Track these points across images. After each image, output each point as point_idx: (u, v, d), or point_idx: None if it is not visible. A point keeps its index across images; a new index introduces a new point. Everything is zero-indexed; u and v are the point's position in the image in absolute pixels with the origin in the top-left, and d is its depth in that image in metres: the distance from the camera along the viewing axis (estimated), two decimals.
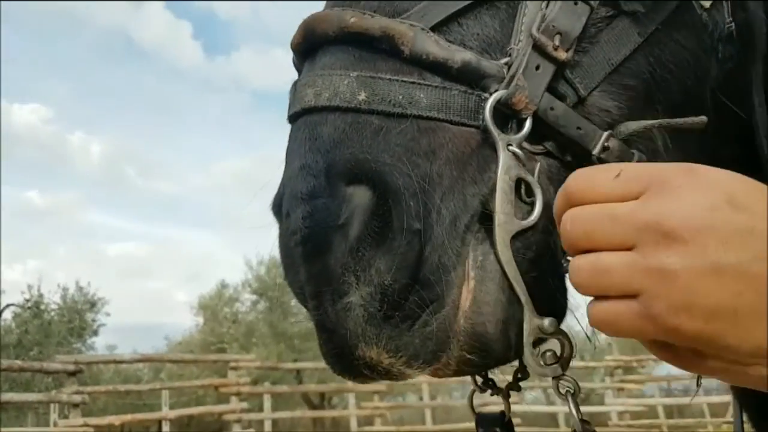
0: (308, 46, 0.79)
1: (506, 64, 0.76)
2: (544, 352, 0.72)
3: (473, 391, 0.84)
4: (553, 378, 0.72)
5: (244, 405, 13.95)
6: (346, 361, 0.72)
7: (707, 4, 0.88)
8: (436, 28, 0.75)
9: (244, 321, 27.03)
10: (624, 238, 0.61)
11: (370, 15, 0.75)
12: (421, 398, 18.25)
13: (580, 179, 0.67)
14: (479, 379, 0.83)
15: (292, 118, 0.77)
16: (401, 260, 0.68)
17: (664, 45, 0.86)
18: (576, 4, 0.78)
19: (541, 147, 0.77)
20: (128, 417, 12.37)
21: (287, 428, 20.99)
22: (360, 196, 0.70)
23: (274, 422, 16.49)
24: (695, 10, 0.87)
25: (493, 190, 0.72)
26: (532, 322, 0.71)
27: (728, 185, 0.61)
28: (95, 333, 27.00)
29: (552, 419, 21.03)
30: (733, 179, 0.63)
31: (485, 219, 0.73)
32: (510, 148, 0.73)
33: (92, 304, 26.56)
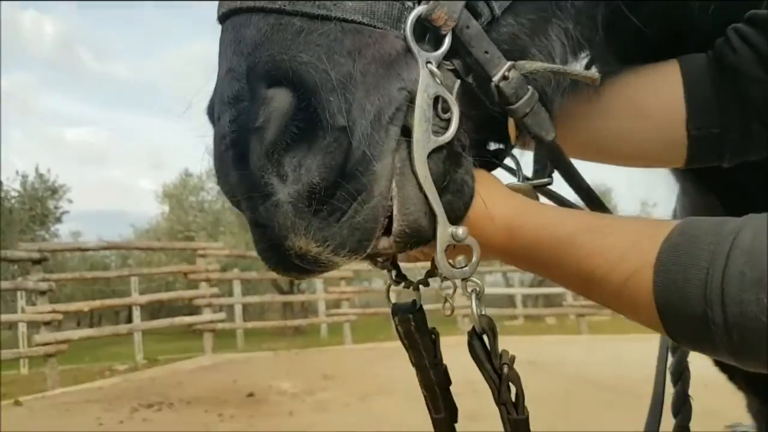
0: None
1: None
2: (456, 257, 0.78)
3: (389, 285, 0.91)
4: (462, 279, 0.79)
5: (215, 290, 14.18)
6: (278, 253, 0.73)
7: None
8: None
9: (210, 210, 27.00)
10: None
11: None
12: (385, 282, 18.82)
13: None
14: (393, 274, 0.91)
15: (221, 19, 0.76)
16: (330, 158, 0.69)
17: None
18: None
19: (450, 63, 0.78)
20: (97, 303, 12.48)
21: (257, 312, 21.62)
22: (280, 98, 0.69)
23: (245, 307, 16.95)
24: None
25: (412, 101, 0.73)
26: (445, 231, 0.75)
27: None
28: (58, 220, 26.76)
29: (510, 301, 22.04)
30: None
31: (405, 132, 0.74)
32: (429, 66, 0.74)
33: (53, 191, 26.11)
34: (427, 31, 0.75)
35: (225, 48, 0.74)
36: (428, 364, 0.87)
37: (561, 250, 0.76)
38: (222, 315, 14.26)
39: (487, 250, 0.82)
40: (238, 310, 16.65)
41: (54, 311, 10.82)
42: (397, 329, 0.88)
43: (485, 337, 0.80)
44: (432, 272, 0.85)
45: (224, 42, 0.74)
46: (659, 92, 1.03)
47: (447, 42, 0.75)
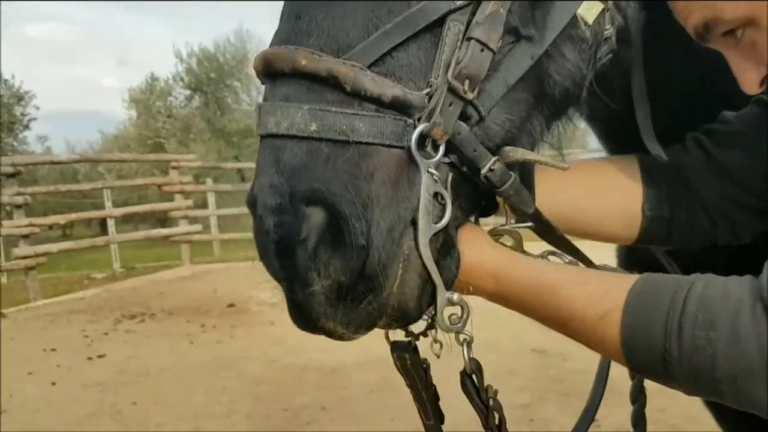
0: (268, 74, 0.94)
1: (427, 94, 0.91)
2: (450, 315, 0.97)
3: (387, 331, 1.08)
4: (456, 333, 0.99)
5: (189, 203, 14.23)
6: (311, 327, 0.94)
7: (591, 21, 1.03)
8: (372, 63, 0.89)
9: (179, 116, 26.55)
10: None
11: (318, 56, 0.88)
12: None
13: None
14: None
15: (261, 137, 0.92)
16: (353, 264, 0.88)
17: (552, 59, 1.02)
18: (482, 51, 0.92)
19: (447, 158, 0.94)
20: (73, 216, 12.51)
21: (232, 223, 21.69)
22: (316, 215, 0.87)
23: (219, 218, 17.05)
24: (580, 25, 1.03)
25: (418, 204, 0.91)
26: (442, 296, 0.94)
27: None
28: (26, 127, 26.22)
29: None
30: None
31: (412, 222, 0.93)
32: (429, 170, 0.91)
33: (20, 98, 25.44)
34: (425, 138, 0.91)
35: (266, 164, 0.90)
36: (420, 387, 1.08)
37: (544, 296, 0.94)
38: (198, 227, 14.37)
39: (478, 293, 1.00)
40: (213, 221, 16.76)
41: (31, 224, 10.86)
42: (395, 362, 1.08)
43: (474, 377, 1.02)
44: (431, 326, 1.04)
45: (265, 158, 0.90)
46: (620, 176, 1.22)
47: (442, 150, 0.92)
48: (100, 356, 7.27)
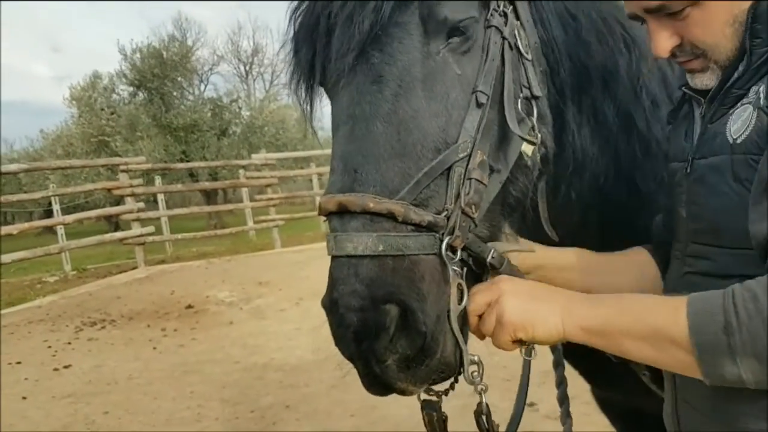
0: (340, 212, 1.27)
1: (446, 216, 1.29)
2: (472, 372, 1.31)
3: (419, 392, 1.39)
4: (476, 385, 1.32)
5: (141, 205, 14.28)
6: (387, 390, 1.29)
7: (529, 152, 1.47)
8: (414, 199, 1.27)
9: (123, 113, 26.14)
10: (490, 295, 1.30)
11: (379, 200, 1.24)
12: (311, 188, 19.26)
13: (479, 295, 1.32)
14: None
15: (337, 257, 1.26)
16: (416, 343, 1.24)
17: (510, 183, 1.45)
18: (480, 185, 1.33)
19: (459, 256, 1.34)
20: (26, 225, 12.46)
21: (184, 224, 21.61)
22: (393, 309, 1.21)
23: (170, 219, 17.08)
24: (525, 158, 1.46)
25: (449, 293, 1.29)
26: (467, 357, 1.29)
27: (529, 288, 1.32)
28: None
29: None
30: (532, 284, 1.35)
31: None
32: (454, 269, 1.29)
33: None
34: (450, 249, 1.29)
35: (346, 276, 1.22)
36: None
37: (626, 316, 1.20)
38: (151, 228, 14.43)
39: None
40: (164, 220, 16.78)
41: None
42: (423, 417, 1.42)
43: (484, 417, 1.38)
44: (452, 386, 1.38)
45: (344, 272, 1.23)
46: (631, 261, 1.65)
47: (459, 253, 1.29)
48: (66, 367, 7.45)
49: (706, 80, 1.34)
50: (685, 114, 1.48)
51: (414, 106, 1.32)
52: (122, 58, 26.49)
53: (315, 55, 1.42)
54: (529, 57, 1.51)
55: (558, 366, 1.99)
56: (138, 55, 26.25)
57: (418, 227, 1.26)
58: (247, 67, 42.96)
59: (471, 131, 1.35)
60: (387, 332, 1.21)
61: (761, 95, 1.19)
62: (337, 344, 1.27)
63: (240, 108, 29.27)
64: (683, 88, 1.46)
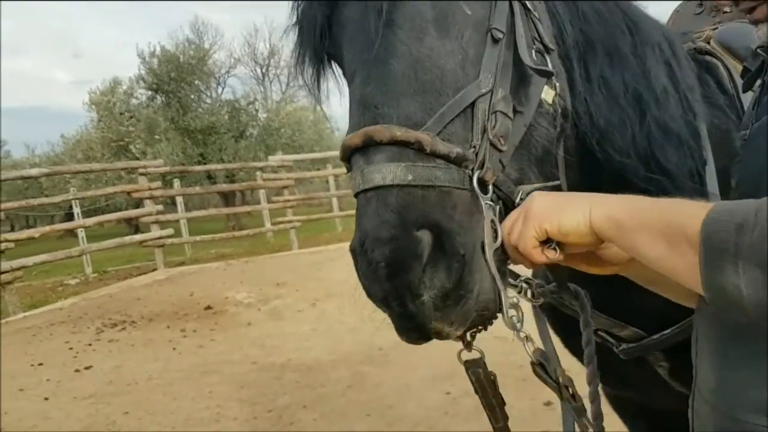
0: (364, 146, 1.25)
1: (474, 152, 1.27)
2: (512, 316, 1.25)
3: (461, 350, 1.35)
4: (517, 332, 1.26)
5: (160, 207, 14.41)
6: (422, 332, 1.22)
7: (549, 100, 1.45)
8: (440, 132, 1.25)
9: (142, 116, 26.41)
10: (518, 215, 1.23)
11: (406, 129, 1.22)
12: (327, 190, 19.32)
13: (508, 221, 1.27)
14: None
15: (365, 192, 1.22)
16: (455, 273, 1.19)
17: (534, 128, 1.42)
18: (506, 118, 1.32)
19: (494, 195, 1.31)
20: (47, 228, 12.65)
21: (203, 225, 21.78)
22: (426, 236, 1.17)
23: (189, 221, 17.22)
24: (544, 104, 1.44)
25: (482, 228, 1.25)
26: (506, 299, 1.24)
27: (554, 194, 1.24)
28: None
29: None
30: (562, 194, 1.26)
31: None
32: (487, 203, 1.25)
33: None
34: (480, 184, 1.25)
35: (374, 208, 1.18)
36: (491, 395, 1.34)
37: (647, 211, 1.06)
38: (170, 230, 14.56)
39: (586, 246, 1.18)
40: (183, 222, 16.93)
41: (6, 240, 11.00)
42: (469, 377, 1.35)
43: (543, 363, 1.30)
44: (476, 332, 1.31)
45: (372, 204, 1.19)
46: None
47: (491, 188, 1.27)
48: (87, 368, 7.54)
49: None
50: (762, 82, 1.34)
51: (429, 46, 1.31)
52: (140, 62, 26.78)
53: (319, 20, 1.44)
54: (536, 14, 1.50)
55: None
56: (155, 59, 26.51)
57: (447, 160, 1.24)
58: (264, 70, 43.18)
59: (491, 67, 1.34)
60: (420, 260, 1.16)
61: None
62: (367, 289, 1.22)
63: (257, 110, 29.47)
64: (758, 50, 1.33)
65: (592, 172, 1.67)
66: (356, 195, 1.26)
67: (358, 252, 1.20)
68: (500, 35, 1.36)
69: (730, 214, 0.92)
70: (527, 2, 1.47)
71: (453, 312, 1.20)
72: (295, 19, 1.50)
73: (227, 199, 26.33)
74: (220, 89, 34.58)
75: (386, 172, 1.20)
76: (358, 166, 1.25)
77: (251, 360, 7.40)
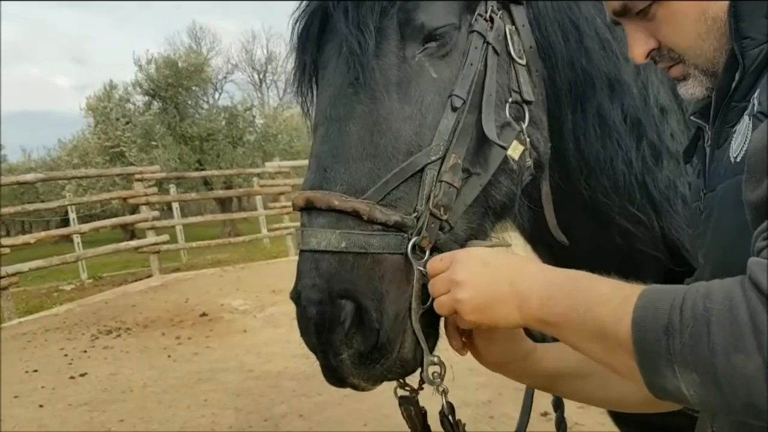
0: (308, 209, 1.32)
1: (415, 217, 1.32)
2: (433, 373, 1.33)
3: (396, 387, 1.42)
4: (436, 386, 1.33)
5: (156, 213, 14.42)
6: (341, 383, 1.32)
7: (516, 156, 1.47)
8: (382, 199, 1.30)
9: (138, 122, 26.40)
10: (445, 288, 1.20)
11: (345, 198, 1.28)
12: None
13: (429, 267, 1.27)
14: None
15: (303, 251, 1.31)
16: (369, 340, 1.27)
17: (493, 185, 1.45)
18: (449, 188, 1.34)
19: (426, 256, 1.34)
20: (42, 234, 12.61)
21: (199, 231, 21.74)
22: (348, 305, 1.26)
23: (185, 227, 17.21)
24: (509, 161, 1.46)
25: (411, 294, 1.30)
26: (428, 359, 1.31)
27: (480, 255, 1.21)
28: None
29: None
30: (483, 251, 1.24)
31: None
32: (419, 268, 1.29)
33: None
34: (416, 247, 1.30)
35: (309, 270, 1.27)
36: (420, 429, 1.40)
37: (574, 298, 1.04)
38: (166, 237, 14.54)
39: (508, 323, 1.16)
40: (179, 228, 16.91)
41: (2, 245, 10.97)
42: (402, 412, 1.42)
43: (450, 417, 1.37)
44: (420, 384, 1.38)
45: (308, 266, 1.27)
46: None
47: (427, 254, 1.30)
48: (82, 375, 7.50)
49: (691, 89, 1.21)
50: (700, 149, 1.30)
51: (388, 109, 1.35)
52: (137, 68, 26.79)
53: (310, 55, 1.48)
54: (523, 61, 1.51)
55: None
56: (153, 64, 26.51)
57: (385, 226, 1.29)
58: (261, 75, 43.37)
59: (445, 134, 1.37)
60: (342, 326, 1.25)
61: (755, 102, 1.02)
62: (301, 335, 1.32)
63: (254, 116, 29.49)
64: (691, 117, 1.31)
65: (576, 211, 1.73)
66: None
67: (295, 302, 1.31)
68: (459, 102, 1.39)
69: (655, 314, 0.89)
70: (512, 52, 1.49)
71: (369, 370, 1.30)
72: (294, 43, 1.54)
73: (224, 205, 26.35)
74: (217, 95, 34.70)
75: (321, 238, 1.27)
76: (302, 224, 1.33)
77: (247, 368, 7.39)
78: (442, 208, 1.33)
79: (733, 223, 1.01)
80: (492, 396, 5.69)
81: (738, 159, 1.03)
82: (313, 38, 1.47)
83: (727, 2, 1.10)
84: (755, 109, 1.01)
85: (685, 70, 1.20)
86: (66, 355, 8.37)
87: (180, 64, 26.54)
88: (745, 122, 1.04)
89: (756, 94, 1.03)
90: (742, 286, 0.83)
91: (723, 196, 1.08)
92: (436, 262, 1.26)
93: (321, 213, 1.29)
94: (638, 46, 1.21)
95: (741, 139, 1.04)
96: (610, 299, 0.97)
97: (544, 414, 5.03)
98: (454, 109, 1.38)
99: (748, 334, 0.79)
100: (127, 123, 26.22)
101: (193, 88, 27.29)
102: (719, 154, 1.14)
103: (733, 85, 1.11)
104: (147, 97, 27.40)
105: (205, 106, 29.17)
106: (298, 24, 1.51)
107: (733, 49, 1.09)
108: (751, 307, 0.80)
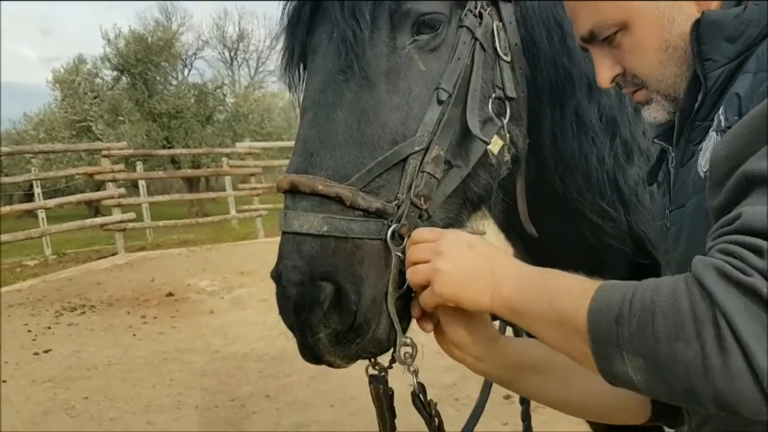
0: (292, 192, 1.34)
1: (396, 205, 1.35)
2: (405, 353, 1.36)
3: (368, 366, 1.44)
4: (407, 366, 1.37)
5: (122, 191, 14.20)
6: (317, 360, 1.36)
7: (496, 151, 1.52)
8: (365, 186, 1.34)
9: (106, 97, 25.91)
10: (427, 256, 1.22)
11: (329, 183, 1.31)
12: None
13: (415, 234, 1.30)
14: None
15: (285, 233, 1.34)
16: (346, 321, 1.31)
17: (472, 178, 1.50)
18: (431, 179, 1.38)
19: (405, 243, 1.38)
20: (6, 209, 12.38)
21: (165, 210, 21.46)
22: (328, 287, 1.29)
23: (151, 205, 16.97)
24: (489, 155, 1.51)
25: (388, 278, 1.34)
26: (400, 339, 1.35)
27: (467, 238, 1.24)
28: None
29: None
30: (470, 236, 1.27)
31: None
32: (397, 254, 1.33)
33: None
34: (395, 234, 1.33)
35: (291, 252, 1.29)
36: (386, 407, 1.43)
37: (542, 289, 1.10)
38: (132, 215, 14.35)
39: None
40: (145, 207, 16.70)
41: None
42: (371, 390, 1.43)
43: (421, 396, 1.41)
44: (390, 363, 1.42)
45: (290, 248, 1.30)
46: None
47: (406, 240, 1.32)
48: (46, 351, 7.46)
49: (654, 113, 1.27)
50: (665, 170, 1.36)
51: (376, 99, 1.38)
52: (106, 42, 26.27)
53: (299, 39, 1.51)
54: (508, 58, 1.55)
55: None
56: (122, 39, 26.04)
57: (367, 213, 1.32)
58: (232, 53, 42.75)
59: (430, 126, 1.41)
60: (321, 307, 1.29)
61: (721, 118, 1.08)
62: (279, 313, 1.34)
63: (225, 95, 29.11)
64: (655, 140, 1.37)
65: (548, 206, 1.80)
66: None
67: (275, 282, 1.34)
68: (445, 96, 1.43)
69: (609, 305, 0.95)
70: (498, 48, 1.53)
71: (345, 349, 1.33)
72: (283, 26, 1.56)
73: (191, 184, 26.03)
74: (186, 71, 34.14)
75: (304, 221, 1.30)
76: (285, 207, 1.36)
77: (213, 348, 7.40)
78: (422, 198, 1.37)
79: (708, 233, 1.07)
80: (457, 379, 5.78)
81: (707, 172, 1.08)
82: (305, 21, 1.49)
83: (687, 31, 1.17)
84: (722, 125, 1.06)
85: (648, 95, 1.27)
86: (30, 331, 8.29)
87: (150, 39, 26.09)
88: (713, 138, 1.09)
89: (721, 111, 1.08)
90: (686, 281, 0.89)
91: (694, 210, 1.14)
92: (424, 231, 1.30)
93: (305, 197, 1.33)
94: (605, 71, 1.28)
95: (709, 154, 1.08)
96: (572, 291, 1.04)
97: (507, 397, 5.17)
98: (439, 102, 1.42)
99: (688, 323, 0.85)
100: (95, 98, 25.73)
101: (163, 63, 26.87)
102: (684, 173, 1.21)
103: (696, 105, 1.17)
104: (116, 72, 26.92)
105: (174, 82, 28.74)
106: (288, 5, 1.53)
107: (696, 71, 1.16)
108: (693, 298, 0.86)
